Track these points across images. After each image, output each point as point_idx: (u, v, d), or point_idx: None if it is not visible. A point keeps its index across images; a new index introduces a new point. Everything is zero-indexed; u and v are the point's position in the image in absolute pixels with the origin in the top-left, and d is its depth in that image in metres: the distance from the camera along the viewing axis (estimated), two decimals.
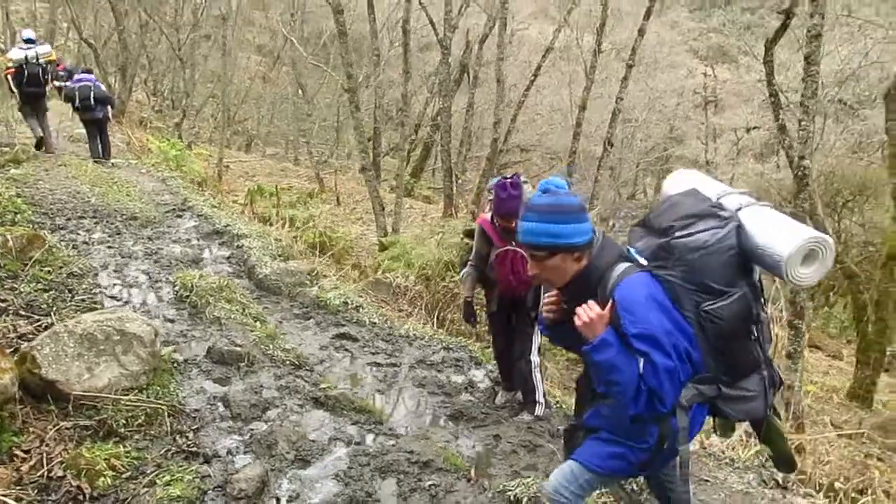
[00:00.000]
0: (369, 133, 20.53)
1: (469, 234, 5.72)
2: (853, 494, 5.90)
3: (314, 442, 4.08)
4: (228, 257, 7.12)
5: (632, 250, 2.51)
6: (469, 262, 5.01)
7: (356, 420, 4.44)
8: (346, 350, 5.60)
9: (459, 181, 15.30)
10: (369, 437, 4.24)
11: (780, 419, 2.64)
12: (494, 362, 5.65)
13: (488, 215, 4.85)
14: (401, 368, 5.42)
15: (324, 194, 15.98)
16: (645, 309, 2.31)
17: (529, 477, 3.81)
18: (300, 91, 17.72)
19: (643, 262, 2.45)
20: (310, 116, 18.39)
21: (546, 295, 2.82)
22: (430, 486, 3.71)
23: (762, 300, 2.54)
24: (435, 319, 7.14)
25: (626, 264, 2.45)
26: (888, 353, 15.91)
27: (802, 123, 7.88)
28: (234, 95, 22.59)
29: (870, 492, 7.24)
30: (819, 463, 6.84)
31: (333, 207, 15.01)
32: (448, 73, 14.71)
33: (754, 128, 23.12)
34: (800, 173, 7.64)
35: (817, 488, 5.44)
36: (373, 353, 5.61)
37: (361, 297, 6.79)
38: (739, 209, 2.48)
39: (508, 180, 4.59)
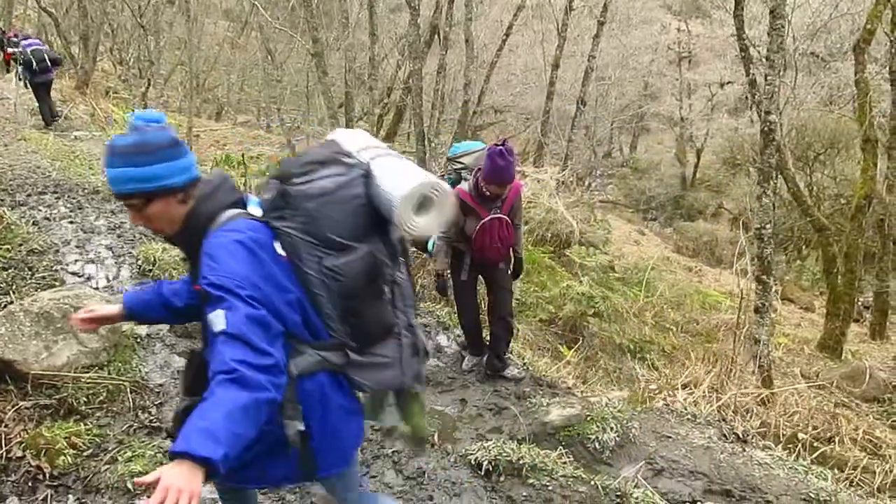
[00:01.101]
0: (340, 98, 20.29)
1: None
2: (817, 444, 6.03)
3: None
4: None
5: (252, 199, 2.23)
6: (439, 237, 4.87)
7: None
8: None
9: (433, 144, 15.14)
10: None
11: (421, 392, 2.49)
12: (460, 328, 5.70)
13: (465, 185, 4.77)
14: None
15: None
16: (229, 256, 1.98)
17: (491, 440, 3.85)
18: (269, 56, 17.40)
19: (258, 211, 2.17)
20: (279, 82, 18.09)
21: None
22: (392, 452, 3.75)
23: (401, 260, 2.35)
24: None
25: (236, 211, 2.14)
26: (858, 303, 16.20)
27: (769, 78, 7.85)
28: (202, 62, 22.15)
29: (837, 440, 7.42)
30: (785, 414, 6.97)
31: None
32: (418, 34, 14.45)
33: (728, 83, 23.09)
34: (766, 128, 7.64)
35: (781, 440, 5.56)
36: None
37: None
38: (373, 159, 2.26)
39: (502, 146, 4.53)
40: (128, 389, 4.08)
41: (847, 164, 17.33)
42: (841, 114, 16.65)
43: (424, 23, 17.23)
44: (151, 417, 3.95)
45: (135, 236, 6.49)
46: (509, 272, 5.09)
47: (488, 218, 4.69)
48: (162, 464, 3.52)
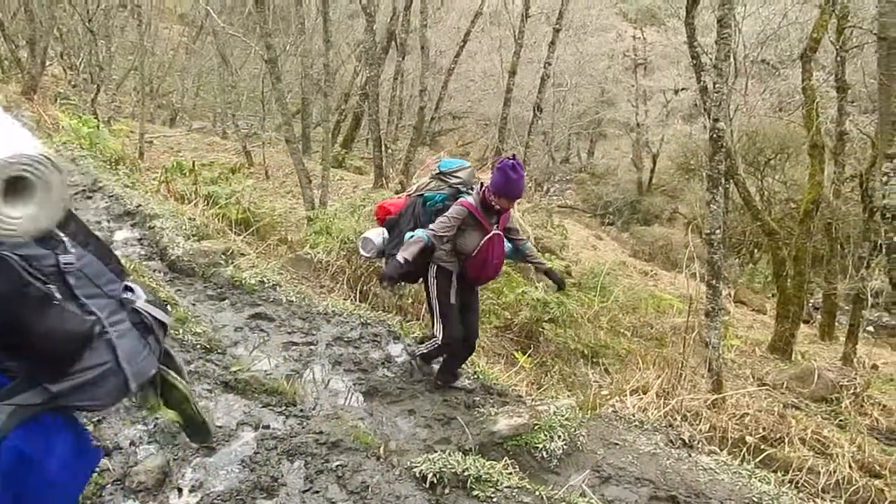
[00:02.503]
0: (297, 104, 20.13)
1: (390, 225, 5.08)
2: (764, 447, 6.12)
3: (221, 428, 3.99)
4: (140, 239, 6.89)
5: None
6: (430, 231, 4.55)
7: (267, 403, 4.37)
8: (262, 330, 5.50)
9: (389, 151, 15.11)
10: (279, 420, 4.18)
11: (181, 378, 2.18)
12: (412, 336, 5.67)
13: (470, 199, 4.64)
14: (317, 347, 5.35)
15: (252, 168, 15.62)
16: None
17: (437, 452, 3.82)
18: (224, 62, 17.19)
19: None
20: (234, 88, 17.87)
21: None
22: (337, 466, 3.69)
23: (60, 237, 1.86)
24: (357, 293, 7.07)
25: None
26: (809, 305, 16.57)
27: (716, 86, 7.97)
28: (156, 68, 21.79)
29: (787, 440, 7.55)
30: (734, 417, 7.06)
31: (261, 181, 14.69)
32: (374, 40, 14.45)
33: (682, 89, 23.48)
34: (715, 135, 7.74)
35: (728, 443, 5.63)
36: (289, 333, 5.52)
37: (280, 274, 6.66)
38: None
39: (513, 160, 4.50)
40: None
41: (797, 169, 17.74)
42: (790, 120, 17.04)
43: (381, 29, 17.22)
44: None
45: None
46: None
47: (492, 233, 4.63)
48: (97, 484, 3.44)
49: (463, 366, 5.21)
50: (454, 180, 4.87)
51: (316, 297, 6.37)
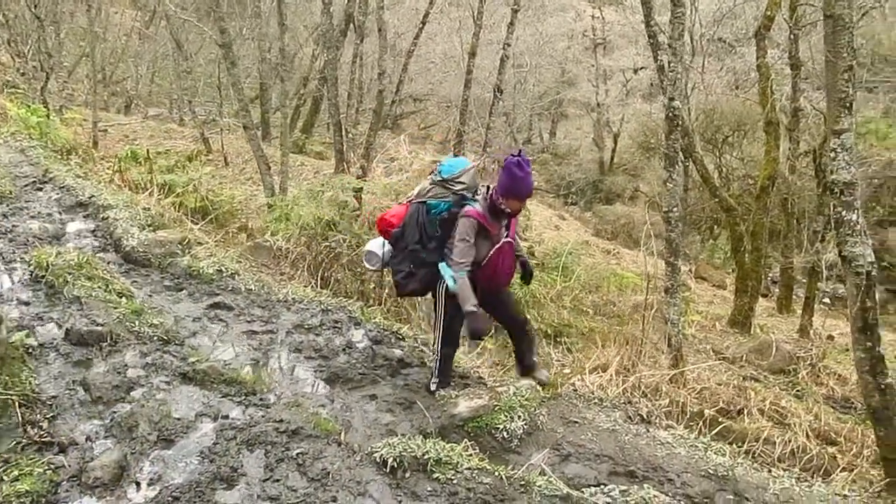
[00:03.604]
0: (255, 90, 19.83)
1: (395, 239, 4.71)
2: (722, 419, 6.26)
3: (179, 420, 3.96)
4: (93, 231, 6.75)
5: None
6: (458, 266, 4.31)
7: (226, 393, 4.33)
8: (220, 320, 5.44)
9: (350, 135, 14.97)
10: (238, 410, 4.16)
11: None
12: (373, 321, 5.68)
13: (477, 206, 4.37)
14: (277, 335, 5.32)
15: (210, 155, 15.37)
16: None
17: (396, 436, 3.83)
18: (178, 48, 16.83)
19: None
20: (190, 74, 17.52)
21: None
22: (297, 454, 3.68)
23: None
24: (318, 280, 7.03)
25: None
26: (767, 279, 16.90)
27: (671, 65, 8.06)
28: (108, 54, 21.24)
29: (746, 412, 7.72)
30: (694, 391, 7.19)
31: (220, 169, 14.46)
32: (331, 23, 14.25)
33: (641, 68, 23.63)
34: (670, 114, 7.84)
35: (688, 417, 5.74)
36: (248, 321, 5.48)
37: (239, 262, 6.60)
38: None
39: (518, 157, 4.28)
40: (16, 404, 3.87)
41: (754, 145, 17.97)
42: (746, 97, 17.25)
43: (338, 11, 17.00)
44: (42, 432, 3.76)
45: (28, 240, 6.18)
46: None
47: (503, 241, 4.45)
48: (52, 481, 3.39)
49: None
50: (458, 187, 4.54)
51: (276, 285, 6.32)
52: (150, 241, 6.37)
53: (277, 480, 3.48)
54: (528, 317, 5.19)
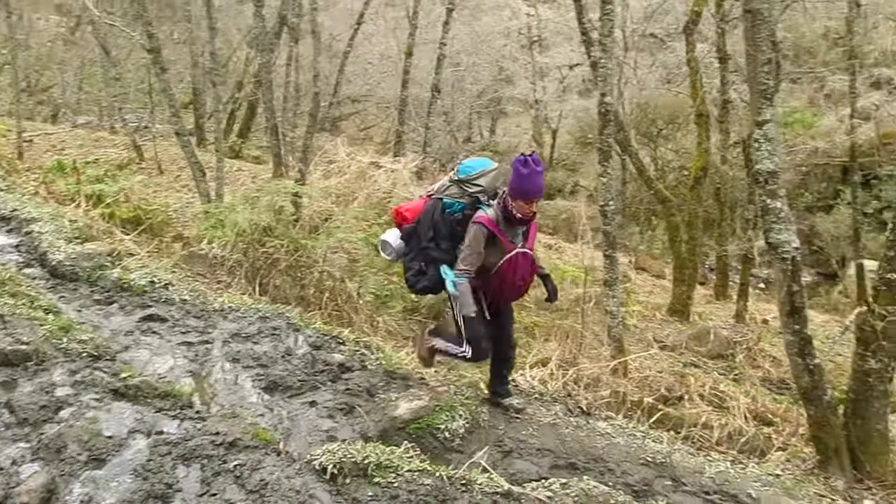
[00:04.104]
0: (189, 95, 19.41)
1: (408, 235, 4.57)
2: (662, 407, 6.39)
3: (110, 438, 3.83)
4: (17, 245, 6.51)
5: None
6: (462, 272, 4.16)
7: (160, 407, 4.21)
8: (154, 332, 5.30)
9: (287, 138, 14.78)
10: (173, 424, 4.04)
11: None
12: (312, 326, 5.60)
13: (489, 212, 4.17)
14: (213, 345, 5.21)
15: (143, 163, 14.97)
16: None
17: (336, 442, 3.79)
18: (106, 53, 16.36)
19: None
20: (119, 80, 17.04)
21: None
22: (235, 466, 3.60)
23: None
24: (257, 287, 6.92)
25: None
26: (705, 267, 17.35)
27: (602, 61, 8.20)
28: (33, 61, 20.54)
29: (686, 398, 7.90)
30: (635, 380, 7.33)
31: (154, 177, 14.10)
32: (263, 25, 14.05)
33: (577, 65, 24.01)
34: (603, 109, 7.97)
35: (629, 406, 5.84)
36: (183, 333, 5.35)
37: (173, 273, 6.44)
38: None
39: (526, 155, 4.08)
40: None
41: (687, 138, 18.41)
42: (678, 91, 17.67)
43: (271, 14, 16.76)
44: None
45: None
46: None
47: (514, 252, 4.19)
48: None
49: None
50: (473, 189, 4.32)
51: (212, 294, 6.19)
52: (78, 254, 6.17)
53: (214, 495, 3.40)
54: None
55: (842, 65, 17.90)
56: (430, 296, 8.62)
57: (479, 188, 4.32)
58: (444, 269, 4.27)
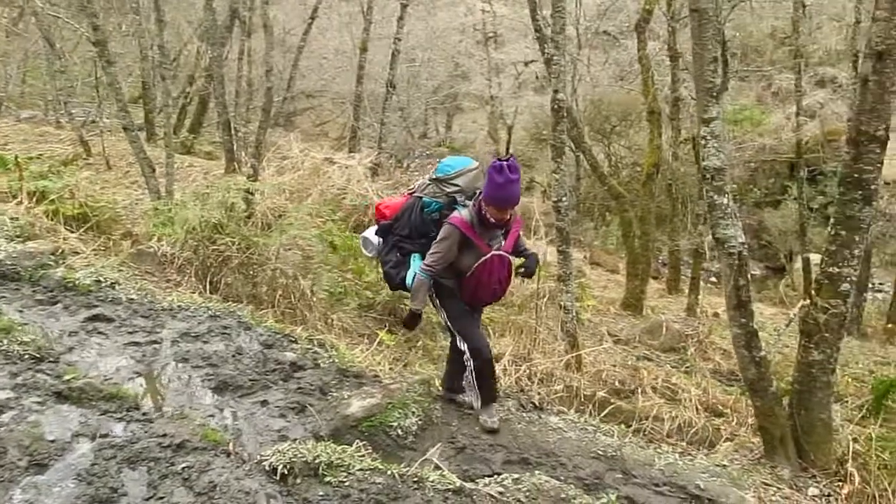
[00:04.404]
0: (139, 89, 18.97)
1: (383, 231, 4.55)
2: (614, 400, 6.47)
3: (53, 442, 3.72)
4: None
5: None
6: (425, 268, 4.14)
7: (106, 410, 4.11)
8: (100, 333, 5.17)
9: (240, 134, 14.58)
10: (119, 427, 3.95)
11: None
12: (263, 325, 5.52)
13: (464, 213, 4.10)
14: (162, 345, 5.10)
15: (90, 159, 14.59)
16: None
17: (287, 442, 3.75)
18: (50, 46, 15.88)
19: None
20: (64, 73, 16.58)
21: None
22: (183, 468, 3.53)
23: None
24: (208, 285, 6.79)
25: None
26: (658, 261, 17.63)
27: (555, 58, 8.24)
28: None
29: (640, 391, 8.02)
30: (589, 374, 7.41)
31: (102, 173, 13.75)
32: (214, 19, 13.85)
33: (532, 61, 24.10)
34: (555, 106, 8.02)
35: (580, 400, 5.90)
36: (130, 333, 5.23)
37: (120, 271, 6.29)
38: None
39: (506, 161, 3.94)
40: None
41: (640, 134, 18.69)
42: (630, 88, 17.91)
43: (223, 6, 16.48)
44: None
45: None
46: None
47: (490, 254, 4.10)
48: None
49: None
50: (450, 188, 4.25)
51: (160, 293, 6.07)
52: (20, 252, 5.98)
53: (161, 498, 3.33)
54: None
55: (788, 63, 18.38)
56: (384, 292, 8.64)
57: (457, 188, 4.24)
58: (415, 257, 4.26)
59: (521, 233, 4.44)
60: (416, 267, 4.20)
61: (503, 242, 4.21)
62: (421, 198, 4.37)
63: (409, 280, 4.24)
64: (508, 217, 4.09)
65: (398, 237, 4.37)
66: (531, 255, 4.51)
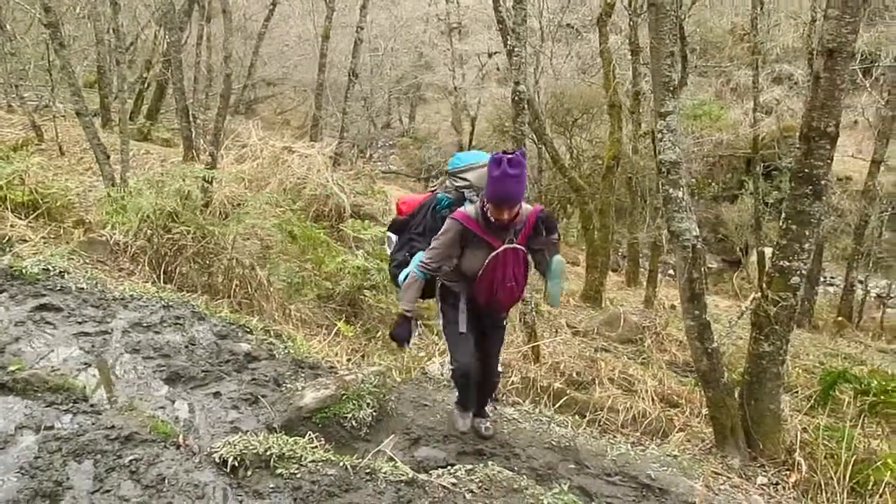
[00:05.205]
0: (94, 73, 18.50)
1: (397, 227, 4.27)
2: (569, 391, 6.53)
3: None
4: None
5: None
6: (420, 264, 3.82)
7: (52, 401, 4.00)
8: (48, 323, 5.03)
9: (199, 121, 14.32)
10: (65, 419, 3.85)
11: None
12: (218, 315, 5.44)
13: (469, 208, 3.78)
14: (112, 335, 4.99)
15: (42, 144, 14.19)
16: None
17: (238, 434, 3.70)
18: (1, 27, 15.39)
19: None
20: (15, 56, 16.09)
21: None
22: (130, 461, 3.46)
23: None
24: (162, 274, 6.67)
25: None
26: (618, 254, 17.83)
27: (516, 50, 8.26)
28: None
29: (597, 382, 8.11)
30: (545, 366, 7.47)
31: (55, 159, 13.38)
32: (172, 3, 13.53)
33: (495, 53, 24.13)
34: (516, 97, 8.04)
35: (537, 391, 5.94)
36: (79, 323, 5.10)
37: (70, 260, 6.13)
38: None
39: (503, 154, 3.54)
40: None
41: (601, 128, 18.86)
42: (592, 82, 18.05)
43: None
44: None
45: None
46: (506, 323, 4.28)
47: (501, 248, 3.73)
48: None
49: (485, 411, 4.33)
50: (460, 183, 3.94)
51: (112, 282, 5.93)
52: None
53: (108, 491, 3.26)
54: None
55: (746, 60, 18.69)
56: (344, 283, 8.58)
57: (466, 183, 3.94)
58: (418, 255, 3.96)
59: (555, 238, 3.95)
60: (413, 264, 3.90)
61: (513, 237, 3.81)
62: (436, 194, 4.14)
63: (401, 278, 3.93)
64: (508, 218, 3.67)
65: (412, 235, 4.11)
66: (550, 252, 3.83)
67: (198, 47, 15.00)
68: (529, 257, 3.87)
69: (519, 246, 3.77)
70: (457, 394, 4.23)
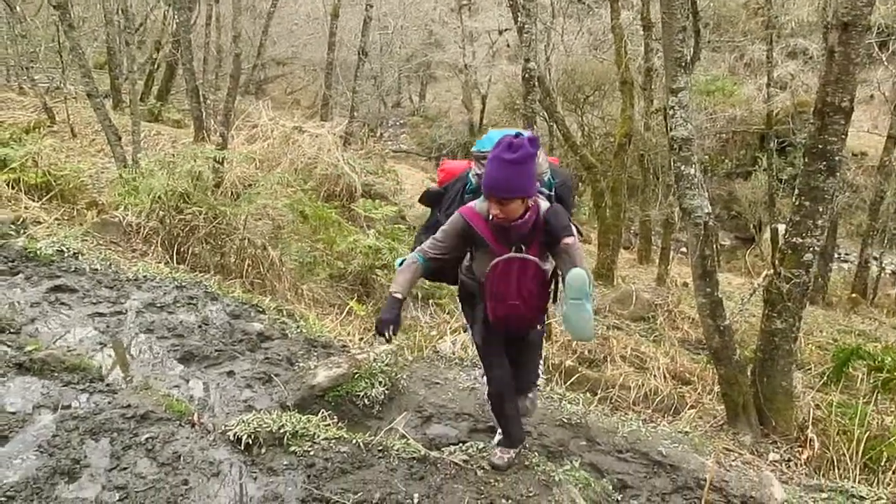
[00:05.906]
0: (104, 54, 18.50)
1: (430, 199, 3.67)
2: (581, 369, 6.55)
3: (14, 414, 3.67)
4: None
5: None
6: (420, 249, 3.25)
7: (68, 381, 4.05)
8: (63, 303, 5.08)
9: (209, 101, 14.32)
10: (82, 398, 3.91)
11: None
12: (230, 295, 5.47)
13: (476, 203, 3.20)
14: (126, 315, 5.03)
15: (54, 126, 14.25)
16: None
17: (252, 412, 3.74)
18: (10, 8, 15.40)
19: None
20: (25, 38, 16.11)
21: None
22: (147, 439, 3.51)
23: None
24: (174, 255, 6.71)
25: None
26: (630, 232, 17.76)
27: (526, 26, 8.18)
28: None
29: (609, 359, 8.12)
30: (557, 344, 7.48)
31: (67, 140, 13.45)
32: None
33: (506, 30, 23.91)
34: (527, 75, 7.98)
35: (549, 368, 5.96)
36: (94, 303, 5.15)
37: (84, 241, 6.18)
38: None
39: (512, 138, 2.94)
40: None
41: (614, 105, 18.69)
42: (604, 58, 17.86)
43: None
44: None
45: None
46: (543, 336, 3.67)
47: (504, 257, 3.10)
48: None
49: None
50: (481, 170, 3.24)
51: (125, 263, 5.98)
52: None
53: (125, 469, 3.31)
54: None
55: (760, 34, 18.43)
56: (356, 262, 8.60)
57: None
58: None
59: (569, 242, 3.04)
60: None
61: (526, 245, 3.13)
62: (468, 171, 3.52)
63: (398, 262, 3.37)
64: (503, 216, 3.02)
65: (440, 217, 3.49)
66: (563, 262, 3.08)
67: (207, 27, 14.96)
68: (550, 269, 3.23)
69: (529, 256, 3.09)
70: (497, 422, 3.62)
